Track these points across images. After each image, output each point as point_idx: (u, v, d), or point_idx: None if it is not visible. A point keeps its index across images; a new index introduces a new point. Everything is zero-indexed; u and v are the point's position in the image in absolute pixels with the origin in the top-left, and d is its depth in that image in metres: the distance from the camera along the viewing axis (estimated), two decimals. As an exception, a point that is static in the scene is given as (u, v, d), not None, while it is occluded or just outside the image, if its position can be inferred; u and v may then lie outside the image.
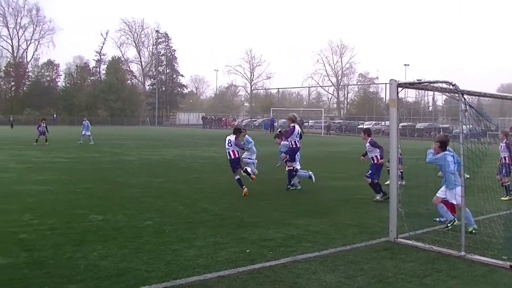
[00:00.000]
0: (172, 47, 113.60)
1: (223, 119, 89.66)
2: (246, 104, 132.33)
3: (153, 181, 15.67)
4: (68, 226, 9.09)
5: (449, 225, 9.15)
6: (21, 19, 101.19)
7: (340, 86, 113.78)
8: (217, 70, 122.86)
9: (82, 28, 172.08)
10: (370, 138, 12.74)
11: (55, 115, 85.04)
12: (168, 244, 7.91)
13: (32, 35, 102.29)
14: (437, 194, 9.22)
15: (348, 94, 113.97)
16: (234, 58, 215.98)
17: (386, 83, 70.57)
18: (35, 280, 6.11)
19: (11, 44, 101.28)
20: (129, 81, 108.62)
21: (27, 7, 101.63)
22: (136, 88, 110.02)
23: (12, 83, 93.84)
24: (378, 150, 12.51)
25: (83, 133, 33.69)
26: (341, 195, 13.40)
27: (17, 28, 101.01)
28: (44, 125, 32.22)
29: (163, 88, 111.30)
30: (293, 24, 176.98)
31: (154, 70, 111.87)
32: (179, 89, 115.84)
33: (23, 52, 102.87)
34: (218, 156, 17.00)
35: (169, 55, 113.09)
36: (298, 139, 13.38)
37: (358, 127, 67.60)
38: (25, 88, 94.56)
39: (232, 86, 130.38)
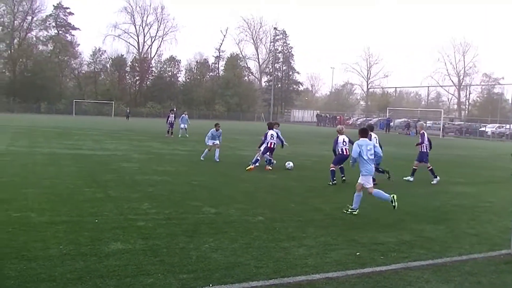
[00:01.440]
0: (289, 44, 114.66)
1: (338, 117, 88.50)
2: (361, 102, 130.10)
3: (265, 177, 15.86)
4: (183, 217, 9.44)
5: None
6: (147, 17, 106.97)
7: (461, 86, 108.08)
8: (334, 68, 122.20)
9: (203, 26, 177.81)
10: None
11: (175, 109, 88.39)
12: (277, 241, 7.95)
13: (157, 32, 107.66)
14: None
15: (470, 95, 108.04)
16: (351, 56, 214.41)
17: (513, 84, 66.62)
18: (149, 267, 6.39)
19: (137, 40, 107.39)
20: (246, 78, 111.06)
21: (153, 6, 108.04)
22: (252, 85, 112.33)
23: (137, 78, 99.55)
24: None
25: (181, 127, 34.86)
26: (460, 201, 12.76)
27: (143, 26, 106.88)
28: (173, 115, 34.06)
29: (279, 85, 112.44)
30: (412, 22, 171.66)
31: (270, 67, 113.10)
32: (294, 86, 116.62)
33: (148, 48, 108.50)
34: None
35: (286, 52, 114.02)
36: (346, 146, 15.04)
37: (480, 129, 64.23)
38: (148, 82, 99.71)
39: (348, 84, 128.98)
